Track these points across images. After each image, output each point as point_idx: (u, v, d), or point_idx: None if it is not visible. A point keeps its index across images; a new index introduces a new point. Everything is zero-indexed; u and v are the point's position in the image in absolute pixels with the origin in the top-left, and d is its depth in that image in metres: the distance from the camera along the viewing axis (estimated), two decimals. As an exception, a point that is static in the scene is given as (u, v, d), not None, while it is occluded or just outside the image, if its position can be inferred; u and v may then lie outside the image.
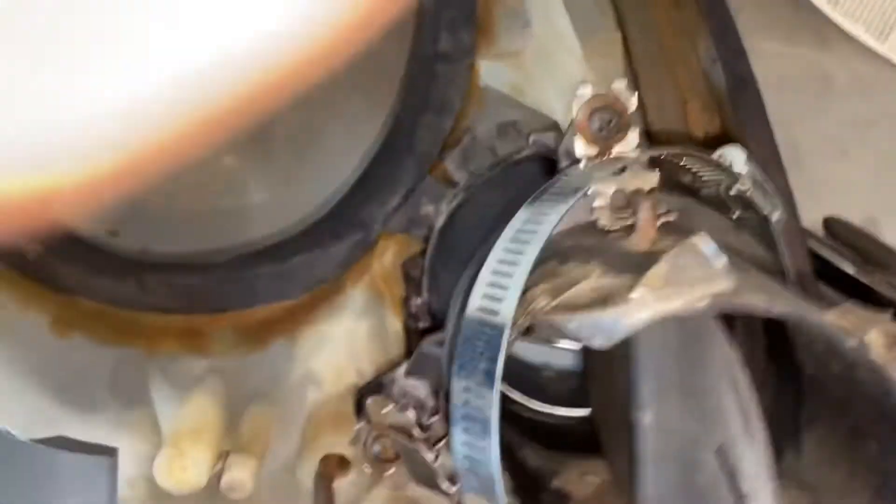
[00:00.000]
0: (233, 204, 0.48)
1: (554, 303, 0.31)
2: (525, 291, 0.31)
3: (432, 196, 0.45)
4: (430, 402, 0.36)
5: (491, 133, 0.45)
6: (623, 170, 0.35)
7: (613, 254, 0.33)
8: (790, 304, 0.31)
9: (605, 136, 0.37)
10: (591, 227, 0.36)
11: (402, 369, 0.38)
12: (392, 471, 0.36)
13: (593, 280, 0.31)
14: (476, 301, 0.32)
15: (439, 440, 0.34)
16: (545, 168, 0.42)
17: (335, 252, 0.45)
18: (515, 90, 0.45)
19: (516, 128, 0.44)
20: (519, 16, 0.45)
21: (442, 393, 0.35)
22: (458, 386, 0.31)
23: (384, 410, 0.37)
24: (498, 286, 0.32)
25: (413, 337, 0.43)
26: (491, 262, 0.33)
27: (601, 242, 0.35)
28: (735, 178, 0.36)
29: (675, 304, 0.28)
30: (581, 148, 0.38)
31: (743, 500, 0.31)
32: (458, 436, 0.31)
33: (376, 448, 0.35)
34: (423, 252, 0.45)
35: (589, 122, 0.37)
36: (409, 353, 0.43)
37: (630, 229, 0.34)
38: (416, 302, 0.43)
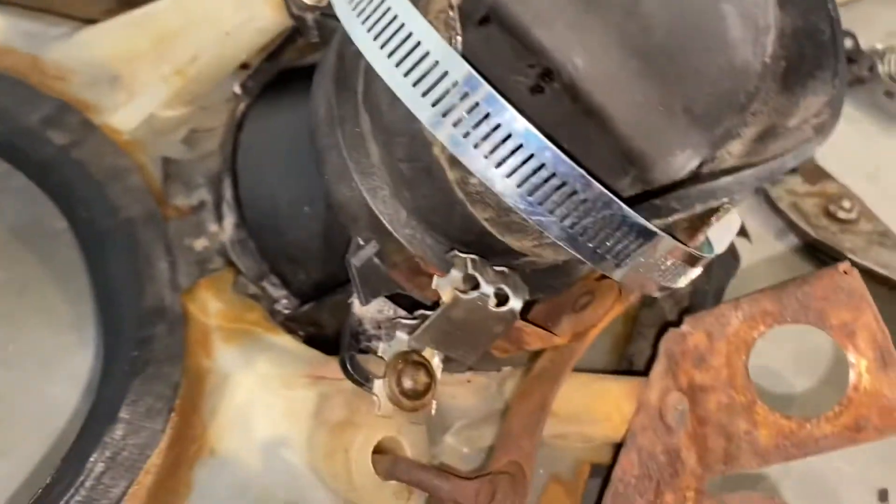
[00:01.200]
0: None
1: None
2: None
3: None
4: (390, 310, 0.34)
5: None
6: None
7: None
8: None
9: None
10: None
11: (355, 305, 0.34)
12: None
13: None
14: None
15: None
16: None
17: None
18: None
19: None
20: None
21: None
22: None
23: (380, 353, 0.33)
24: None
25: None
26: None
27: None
28: None
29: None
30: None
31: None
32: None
33: (407, 383, 0.33)
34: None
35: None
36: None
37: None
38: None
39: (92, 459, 0.36)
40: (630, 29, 0.29)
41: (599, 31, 0.30)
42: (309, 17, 0.35)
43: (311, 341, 0.40)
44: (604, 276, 0.37)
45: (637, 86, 0.30)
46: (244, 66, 0.43)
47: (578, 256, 0.29)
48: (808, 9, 0.30)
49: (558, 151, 0.27)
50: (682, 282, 0.33)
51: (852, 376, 0.31)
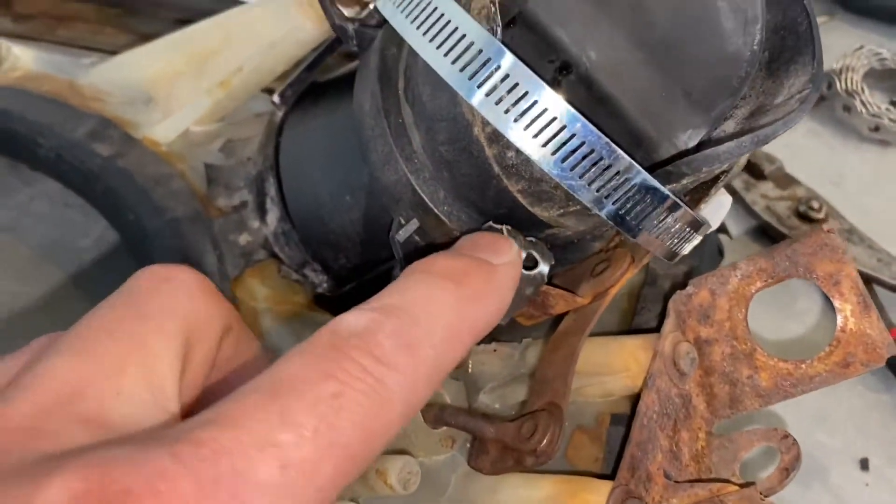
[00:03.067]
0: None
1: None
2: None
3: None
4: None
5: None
6: None
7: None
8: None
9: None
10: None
11: None
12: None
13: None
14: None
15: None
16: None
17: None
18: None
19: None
20: None
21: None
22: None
23: None
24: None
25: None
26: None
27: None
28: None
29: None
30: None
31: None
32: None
33: None
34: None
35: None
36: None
37: None
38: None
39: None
40: (635, 23, 0.35)
41: (609, 26, 0.35)
42: (350, 27, 0.39)
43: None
44: (615, 247, 0.42)
45: (642, 74, 0.35)
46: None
47: (603, 217, 0.33)
48: (788, 5, 0.35)
49: (588, 123, 0.32)
50: (687, 248, 0.37)
51: (840, 320, 0.35)
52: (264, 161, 0.45)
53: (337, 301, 0.44)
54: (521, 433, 0.34)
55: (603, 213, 0.33)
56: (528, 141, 0.32)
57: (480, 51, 0.32)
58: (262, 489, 0.20)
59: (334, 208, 0.42)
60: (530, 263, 0.35)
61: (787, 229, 0.62)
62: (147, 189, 0.47)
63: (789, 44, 0.36)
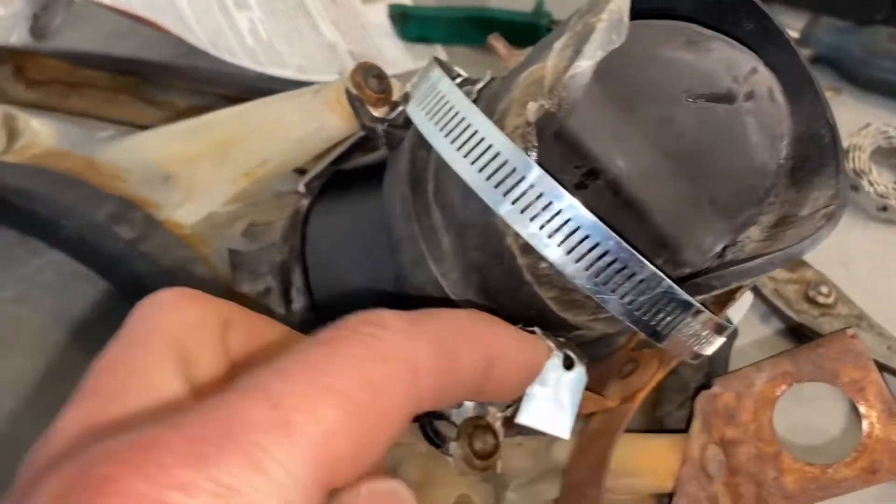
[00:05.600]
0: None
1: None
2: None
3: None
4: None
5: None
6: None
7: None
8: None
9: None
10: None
11: None
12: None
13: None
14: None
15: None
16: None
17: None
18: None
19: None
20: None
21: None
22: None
23: (452, 418, 0.35)
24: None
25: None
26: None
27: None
28: None
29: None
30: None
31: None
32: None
33: (478, 445, 0.36)
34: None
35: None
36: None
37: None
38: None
39: None
40: (664, 135, 0.35)
41: (637, 137, 0.35)
42: (379, 128, 0.40)
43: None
44: (642, 347, 0.42)
45: (669, 182, 0.36)
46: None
47: (633, 328, 0.34)
48: (811, 118, 0.36)
49: (619, 239, 0.32)
50: (711, 349, 0.38)
51: (865, 426, 0.36)
52: (290, 252, 0.46)
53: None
54: (555, 539, 0.35)
55: (633, 325, 0.34)
56: (561, 257, 0.33)
57: (506, 161, 0.33)
58: None
59: (361, 299, 0.43)
60: (568, 362, 0.35)
61: (796, 313, 0.62)
62: (172, 273, 0.47)
63: (813, 155, 0.37)
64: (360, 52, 0.77)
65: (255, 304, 0.46)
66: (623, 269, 0.33)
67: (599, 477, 0.36)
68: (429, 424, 0.37)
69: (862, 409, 0.36)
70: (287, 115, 0.44)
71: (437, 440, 0.37)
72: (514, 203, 0.33)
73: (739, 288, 0.38)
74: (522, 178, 0.32)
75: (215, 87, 0.68)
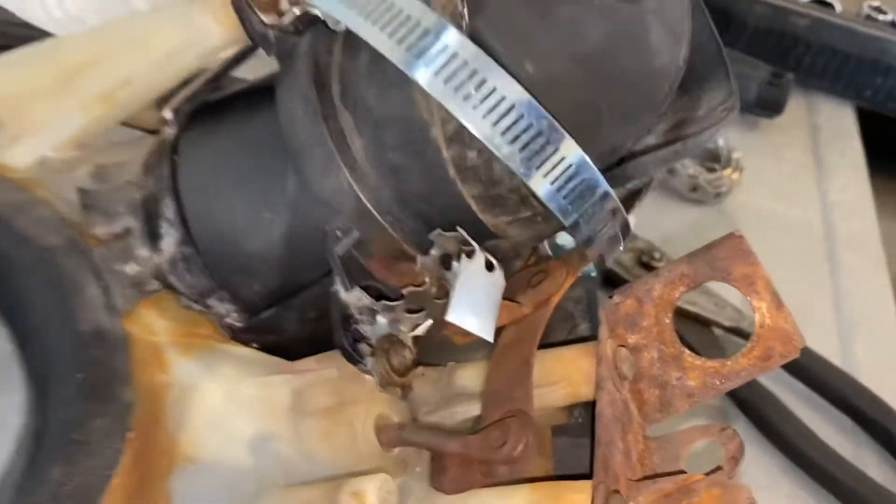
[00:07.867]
0: None
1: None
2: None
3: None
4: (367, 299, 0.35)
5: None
6: None
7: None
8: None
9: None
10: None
11: (341, 294, 0.35)
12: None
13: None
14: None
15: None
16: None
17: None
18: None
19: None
20: None
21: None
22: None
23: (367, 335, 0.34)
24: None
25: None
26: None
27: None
28: None
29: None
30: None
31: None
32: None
33: (396, 361, 0.34)
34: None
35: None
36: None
37: None
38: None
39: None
40: (572, 38, 0.36)
41: (548, 40, 0.36)
42: (270, 34, 0.37)
43: (266, 351, 0.40)
44: (540, 261, 0.42)
45: (573, 88, 0.36)
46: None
47: (561, 220, 0.34)
48: (695, 31, 0.39)
49: (552, 119, 0.32)
50: (615, 254, 0.39)
51: (757, 317, 0.38)
52: (156, 182, 0.41)
53: (255, 329, 0.41)
54: (489, 443, 0.33)
55: (557, 210, 0.34)
56: (496, 137, 0.32)
57: (446, 46, 0.32)
58: None
59: (250, 228, 0.39)
60: (489, 265, 0.34)
61: (632, 277, 0.67)
62: (7, 216, 0.41)
63: (699, 65, 0.39)
64: None
65: (112, 246, 0.41)
66: (555, 151, 0.33)
67: (525, 375, 0.35)
68: (348, 341, 0.35)
69: (754, 302, 0.38)
70: (156, 26, 0.40)
71: (356, 356, 0.35)
72: (436, 74, 0.32)
73: (638, 194, 0.40)
74: (429, 34, 0.31)
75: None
